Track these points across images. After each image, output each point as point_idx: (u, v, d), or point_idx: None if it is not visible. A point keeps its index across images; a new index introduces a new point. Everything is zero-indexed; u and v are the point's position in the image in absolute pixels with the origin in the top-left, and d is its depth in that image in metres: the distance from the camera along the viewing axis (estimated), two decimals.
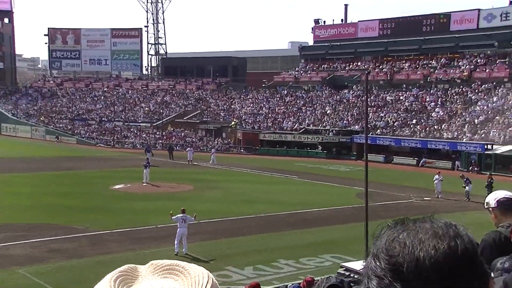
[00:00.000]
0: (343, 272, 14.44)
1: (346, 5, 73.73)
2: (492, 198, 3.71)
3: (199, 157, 47.07)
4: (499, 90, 51.31)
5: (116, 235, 20.59)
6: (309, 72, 70.10)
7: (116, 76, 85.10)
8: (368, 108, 42.34)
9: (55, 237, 19.89)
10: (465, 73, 55.51)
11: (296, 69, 72.57)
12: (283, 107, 63.97)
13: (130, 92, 77.42)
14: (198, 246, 18.99)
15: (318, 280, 4.27)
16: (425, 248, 0.98)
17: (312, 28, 72.69)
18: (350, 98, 60.91)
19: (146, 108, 71.54)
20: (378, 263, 1.01)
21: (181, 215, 18.31)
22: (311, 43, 74.98)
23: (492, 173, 34.83)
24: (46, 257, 17.59)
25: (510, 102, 49.34)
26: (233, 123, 61.40)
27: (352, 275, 13.79)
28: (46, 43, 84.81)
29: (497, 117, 47.96)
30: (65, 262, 17.15)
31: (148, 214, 24.23)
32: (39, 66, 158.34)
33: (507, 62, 54.33)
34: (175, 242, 17.94)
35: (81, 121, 69.83)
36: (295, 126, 58.50)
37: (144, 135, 64.07)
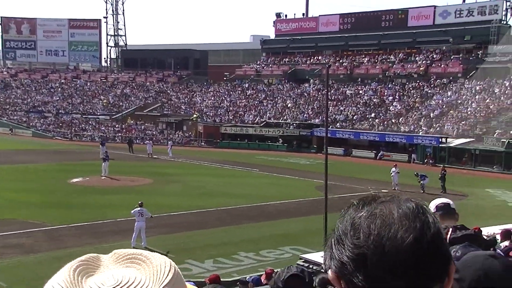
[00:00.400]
0: (302, 263, 14.68)
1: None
2: (433, 204, 4.15)
3: (158, 150, 46.64)
4: (453, 85, 52.92)
5: (74, 230, 20.23)
6: (270, 65, 70.39)
7: (74, 67, 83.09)
8: (328, 102, 42.87)
9: (11, 232, 19.35)
10: (422, 68, 56.96)
11: (258, 62, 72.73)
12: (244, 101, 64.04)
13: (88, 84, 75.80)
14: (158, 239, 18.88)
15: (278, 271, 4.30)
16: (390, 239, 0.96)
17: (274, 21, 72.97)
18: (311, 91, 61.54)
19: (105, 101, 70.22)
20: (342, 250, 1.00)
21: (138, 208, 18.15)
22: (272, 36, 75.26)
23: (446, 165, 36.00)
24: (1, 252, 17.14)
25: (464, 97, 50.99)
26: (194, 116, 61.09)
27: (311, 266, 14.04)
28: None
29: (451, 111, 49.48)
30: (20, 257, 16.74)
31: (107, 208, 23.88)
32: None
33: (461, 58, 56.07)
34: (133, 235, 17.86)
35: (37, 114, 67.92)
36: (256, 120, 58.71)
37: (103, 128, 62.94)
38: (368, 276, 0.96)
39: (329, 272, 1.04)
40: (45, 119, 66.69)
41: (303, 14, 72.79)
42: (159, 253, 0.98)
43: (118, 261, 0.96)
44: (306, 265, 14.43)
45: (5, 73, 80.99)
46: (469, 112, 48.33)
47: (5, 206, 23.71)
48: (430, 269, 0.97)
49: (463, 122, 47.23)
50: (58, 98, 72.31)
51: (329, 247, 1.05)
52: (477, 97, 50.14)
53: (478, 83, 51.66)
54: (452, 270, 1.02)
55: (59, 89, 74.90)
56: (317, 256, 14.73)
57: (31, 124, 65.46)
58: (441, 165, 35.45)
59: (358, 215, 1.02)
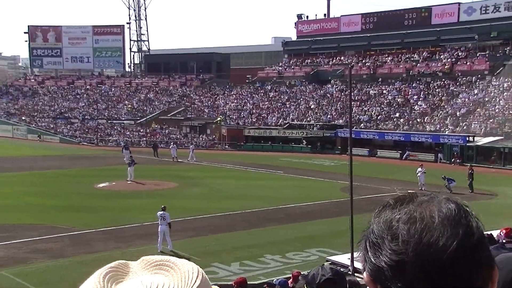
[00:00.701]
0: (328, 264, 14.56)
1: (328, 0, 73.98)
2: None
3: (183, 154, 46.87)
4: (480, 83, 51.92)
5: (101, 234, 20.37)
6: (292, 67, 70.22)
7: (98, 73, 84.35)
8: (352, 102, 42.50)
9: (39, 237, 19.58)
10: (447, 66, 56.06)
11: (280, 64, 72.64)
12: (267, 103, 63.99)
13: (113, 89, 76.83)
14: (184, 243, 18.90)
15: (308, 272, 4.13)
16: (432, 246, 0.90)
17: (295, 23, 72.79)
18: (334, 92, 61.14)
19: (130, 106, 71.05)
20: (379, 255, 0.95)
21: (161, 212, 18.15)
22: (294, 38, 75.11)
23: (474, 164, 35.35)
24: (30, 257, 17.35)
25: (491, 94, 49.97)
26: (218, 118, 61.34)
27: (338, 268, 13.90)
28: (26, 41, 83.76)
29: (478, 109, 48.55)
30: (49, 262, 16.92)
31: (133, 211, 24.02)
32: (20, 64, 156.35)
33: (487, 55, 54.98)
34: (158, 240, 17.87)
35: (63, 120, 69.12)
36: (280, 121, 58.60)
37: (128, 133, 63.64)
38: (406, 283, 0.91)
39: (364, 274, 0.99)
40: (72, 125, 67.82)
41: (325, 14, 72.50)
42: (184, 258, 1.01)
43: (147, 268, 0.97)
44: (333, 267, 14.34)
45: (33, 80, 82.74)
46: (497, 110, 47.33)
47: (34, 211, 24.07)
48: (470, 274, 0.91)
49: (490, 120, 46.27)
50: (83, 104, 73.48)
51: (363, 249, 1.00)
52: (505, 94, 49.07)
53: (506, 80, 50.55)
54: (496, 276, 0.98)
55: (85, 95, 76.11)
56: (344, 258, 14.59)
57: (58, 130, 66.61)
58: (468, 164, 34.85)
59: (396, 217, 0.96)
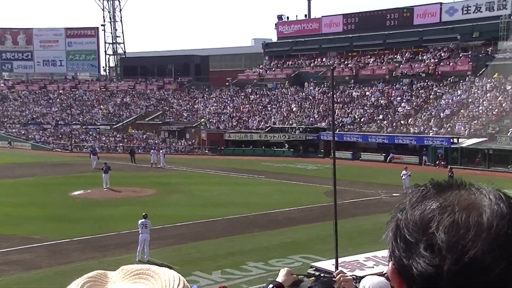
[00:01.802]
0: (313, 272, 13.62)
1: (309, 0, 73.32)
2: None
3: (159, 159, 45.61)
4: (463, 84, 51.60)
5: (76, 244, 19.78)
6: (273, 69, 69.35)
7: (72, 77, 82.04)
8: (334, 105, 41.66)
9: (11, 248, 18.83)
10: (430, 67, 55.70)
11: (260, 66, 71.72)
12: (248, 106, 62.94)
13: (87, 94, 74.81)
14: (164, 251, 18.39)
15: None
16: (474, 268, 0.76)
17: (276, 24, 71.96)
18: (316, 94, 60.38)
19: (105, 110, 69.22)
20: (410, 255, 0.83)
21: (142, 220, 17.62)
22: (274, 39, 74.26)
23: (459, 167, 34.84)
24: (1, 269, 16.73)
25: (475, 95, 49.68)
26: (202, 120, 60.12)
27: (322, 275, 12.98)
28: None
29: (462, 111, 48.19)
30: (22, 274, 16.33)
31: (110, 220, 23.34)
32: None
33: (469, 56, 54.81)
34: (138, 249, 17.36)
35: (35, 126, 66.88)
36: (261, 125, 57.59)
37: (104, 138, 61.90)
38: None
39: (390, 264, 0.89)
40: (44, 131, 65.65)
41: (306, 15, 71.83)
42: (166, 266, 0.99)
43: (126, 277, 0.96)
44: (317, 273, 13.34)
45: (2, 85, 79.80)
46: (480, 111, 46.99)
47: (5, 222, 23.09)
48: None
49: (474, 122, 45.89)
50: (56, 109, 71.33)
51: (392, 236, 0.87)
52: (488, 95, 48.81)
53: (489, 80, 50.34)
54: None
55: (58, 99, 73.88)
56: (328, 264, 13.65)
57: (30, 136, 64.43)
58: (448, 167, 34.48)
59: (436, 217, 0.82)
